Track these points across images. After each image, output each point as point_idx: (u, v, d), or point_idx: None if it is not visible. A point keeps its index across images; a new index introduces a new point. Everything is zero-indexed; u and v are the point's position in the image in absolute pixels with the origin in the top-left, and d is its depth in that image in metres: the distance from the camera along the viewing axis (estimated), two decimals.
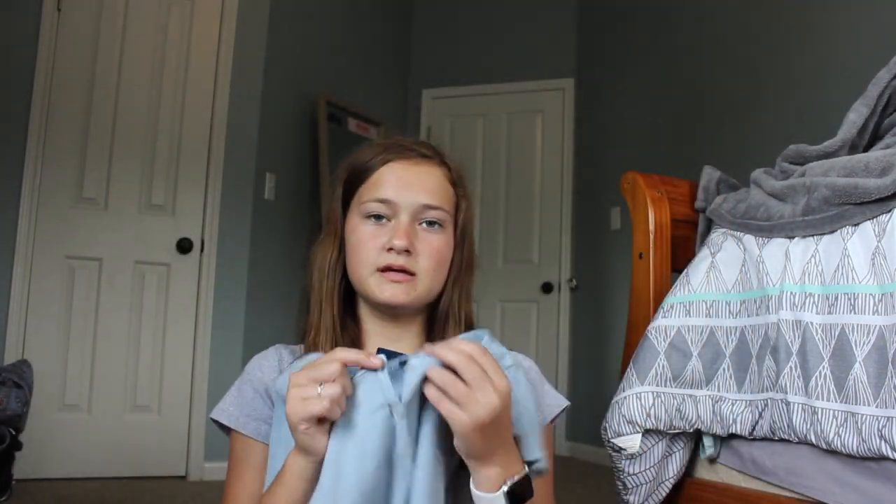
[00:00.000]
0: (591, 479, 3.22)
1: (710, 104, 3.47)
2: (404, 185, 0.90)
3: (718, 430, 1.13)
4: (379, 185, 0.90)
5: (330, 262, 0.94)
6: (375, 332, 0.94)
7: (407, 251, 0.87)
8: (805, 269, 1.05)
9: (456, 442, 0.70)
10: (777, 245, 1.11)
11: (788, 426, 1.02)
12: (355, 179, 0.93)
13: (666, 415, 1.17)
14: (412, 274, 0.88)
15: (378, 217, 0.89)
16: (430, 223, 0.90)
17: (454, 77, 4.61)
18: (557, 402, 0.96)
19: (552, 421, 0.95)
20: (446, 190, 0.93)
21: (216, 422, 0.91)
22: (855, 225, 1.01)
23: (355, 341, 0.92)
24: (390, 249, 0.87)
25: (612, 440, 1.23)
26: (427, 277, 0.89)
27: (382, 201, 0.89)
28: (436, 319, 0.93)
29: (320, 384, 0.70)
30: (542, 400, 0.94)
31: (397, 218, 0.89)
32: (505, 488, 0.71)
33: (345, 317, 0.93)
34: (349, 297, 0.95)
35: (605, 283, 4.01)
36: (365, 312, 0.95)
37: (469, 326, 0.94)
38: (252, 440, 0.89)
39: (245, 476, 0.89)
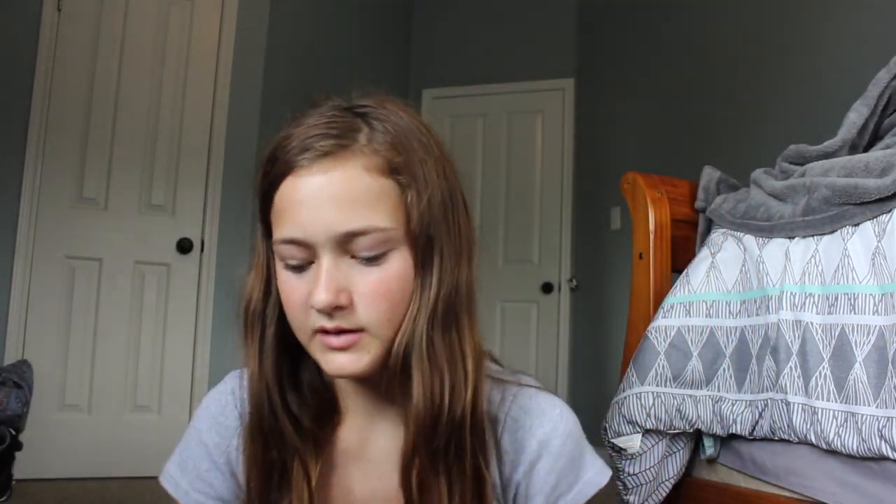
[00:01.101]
0: None
1: (709, 104, 3.47)
2: (315, 210, 0.62)
3: (718, 430, 1.13)
4: (283, 217, 0.64)
5: (254, 305, 0.71)
6: (351, 389, 0.73)
7: (339, 307, 0.63)
8: (805, 270, 1.04)
9: None
10: (777, 245, 1.11)
11: (788, 426, 1.02)
12: (265, 194, 0.67)
13: (666, 415, 1.17)
14: (358, 331, 0.64)
15: (296, 267, 0.65)
16: (368, 259, 0.63)
17: (454, 77, 4.61)
18: (596, 476, 0.73)
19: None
20: (378, 190, 0.63)
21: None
22: (855, 225, 1.01)
23: (324, 399, 0.72)
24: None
25: (612, 440, 1.23)
26: (379, 330, 0.64)
27: (290, 242, 0.64)
28: (392, 375, 0.65)
29: None
30: (571, 481, 0.71)
31: (317, 259, 0.64)
32: None
33: (304, 368, 0.71)
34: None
35: (605, 283, 4.01)
36: None
37: (452, 360, 0.66)
38: None
39: None
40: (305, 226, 0.63)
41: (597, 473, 0.72)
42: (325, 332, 0.64)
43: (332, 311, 0.63)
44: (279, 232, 0.65)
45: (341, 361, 0.65)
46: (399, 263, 0.64)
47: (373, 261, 0.64)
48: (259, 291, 0.71)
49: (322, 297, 0.62)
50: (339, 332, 0.64)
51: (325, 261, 0.63)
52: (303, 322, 0.65)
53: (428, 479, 0.65)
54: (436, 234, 0.65)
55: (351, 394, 0.73)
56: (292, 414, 0.69)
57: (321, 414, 0.71)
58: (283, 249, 0.65)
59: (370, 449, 0.73)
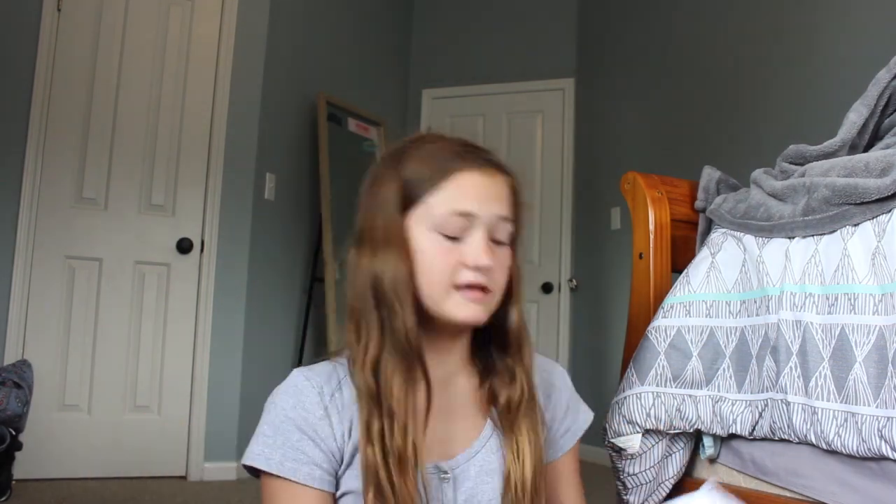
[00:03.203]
0: (591, 479, 3.21)
1: (709, 104, 3.47)
2: (484, 197, 0.84)
3: (718, 430, 1.13)
4: (456, 197, 0.83)
5: (402, 277, 0.83)
6: (427, 344, 0.87)
7: (488, 268, 0.83)
8: (805, 270, 1.04)
9: None
10: (777, 245, 1.11)
11: (788, 426, 1.02)
12: (421, 183, 0.84)
13: (666, 415, 1.17)
14: (489, 291, 0.85)
15: (453, 238, 0.83)
16: (497, 242, 0.86)
17: (454, 77, 4.61)
18: (587, 411, 1.01)
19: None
20: (513, 202, 0.88)
21: (250, 469, 0.83)
22: (855, 225, 1.01)
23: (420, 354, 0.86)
24: (469, 266, 0.82)
25: (611, 440, 1.23)
26: (498, 293, 0.86)
27: (463, 214, 0.83)
28: (501, 332, 0.90)
29: None
30: (577, 407, 1.00)
31: (472, 232, 0.83)
32: None
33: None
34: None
35: (605, 283, 4.01)
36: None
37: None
38: (305, 489, 0.81)
39: None
40: (479, 205, 0.83)
41: (587, 410, 1.01)
42: (469, 287, 0.83)
43: (485, 270, 0.83)
44: (452, 205, 0.83)
45: (475, 310, 0.84)
46: (510, 253, 0.89)
47: (503, 244, 0.86)
48: (404, 266, 0.85)
49: (486, 259, 0.82)
50: (482, 288, 0.84)
51: (483, 234, 0.84)
52: (447, 277, 0.83)
53: (525, 419, 0.89)
54: (518, 245, 0.91)
55: (433, 364, 0.87)
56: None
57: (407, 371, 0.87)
58: (451, 220, 0.83)
59: (437, 394, 0.87)
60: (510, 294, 0.89)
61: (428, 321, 0.85)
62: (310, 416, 0.83)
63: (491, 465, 0.89)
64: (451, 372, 0.92)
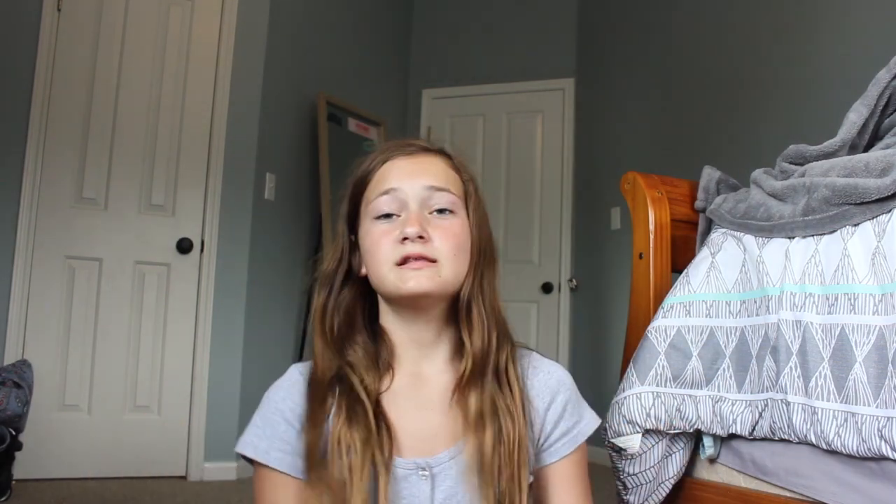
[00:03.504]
0: (590, 480, 3.21)
1: (710, 104, 3.47)
2: (407, 173, 0.89)
3: (718, 430, 1.13)
4: (382, 181, 0.90)
5: (329, 270, 0.94)
6: (406, 339, 0.92)
7: (421, 237, 0.85)
8: (805, 270, 1.04)
9: None
10: (777, 245, 1.11)
11: (788, 426, 1.02)
12: (359, 186, 0.93)
13: (666, 415, 1.17)
14: (433, 261, 0.86)
15: (388, 215, 0.88)
16: (441, 211, 0.89)
17: (454, 77, 4.61)
18: (593, 418, 0.98)
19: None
20: (451, 176, 0.92)
21: (244, 456, 0.88)
22: (855, 225, 1.01)
23: (380, 354, 0.91)
24: (405, 240, 0.86)
25: (611, 440, 1.23)
26: (448, 262, 0.87)
27: (387, 192, 0.88)
28: (458, 306, 0.90)
29: None
30: (578, 411, 0.96)
31: (406, 209, 0.88)
32: None
33: (363, 331, 0.93)
34: (372, 311, 0.94)
35: (605, 283, 4.01)
36: (391, 319, 0.93)
37: (499, 322, 0.92)
38: (285, 476, 0.86)
39: None
40: (403, 181, 0.88)
41: (593, 417, 0.97)
42: (407, 259, 0.85)
43: (416, 238, 0.85)
44: (379, 189, 0.89)
45: (418, 278, 0.85)
46: (461, 222, 0.90)
47: (444, 213, 0.89)
48: (334, 261, 0.94)
49: (414, 227, 0.85)
50: (419, 258, 0.85)
51: (414, 207, 0.88)
52: (389, 255, 0.86)
53: (478, 399, 0.87)
54: (479, 219, 0.92)
55: (405, 345, 0.92)
56: (353, 365, 0.89)
57: (377, 366, 0.91)
58: (380, 201, 0.88)
59: (419, 390, 0.91)
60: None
61: (397, 307, 0.90)
62: (297, 408, 0.87)
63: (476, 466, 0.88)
64: (433, 369, 0.92)
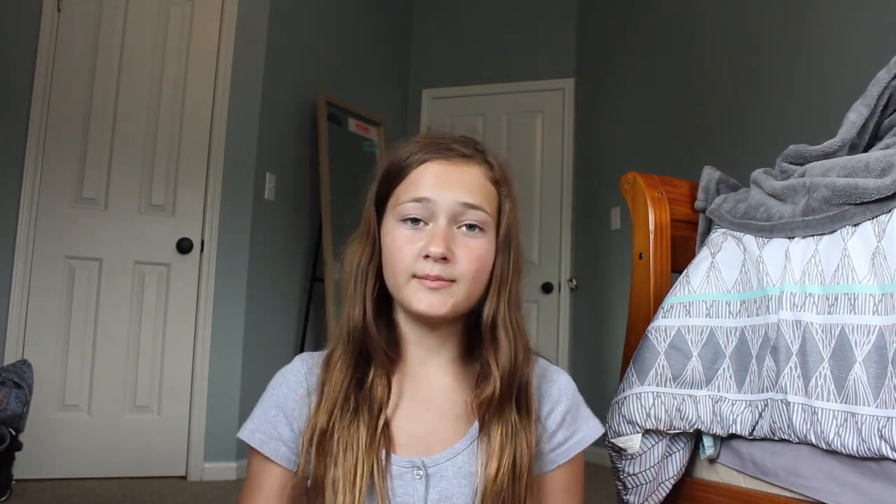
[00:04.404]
0: (590, 479, 3.21)
1: (710, 104, 3.47)
2: (442, 183, 0.85)
3: (718, 431, 1.13)
4: (416, 185, 0.86)
5: (361, 265, 0.90)
6: (413, 339, 0.91)
7: (444, 258, 0.83)
8: (805, 270, 1.04)
9: None
10: (777, 245, 1.11)
11: (788, 426, 1.02)
12: (391, 178, 0.89)
13: (666, 415, 1.17)
14: (451, 281, 0.84)
15: (415, 220, 0.85)
16: (471, 227, 0.85)
17: (454, 77, 4.61)
18: (593, 429, 0.96)
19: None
20: (488, 190, 0.88)
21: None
22: (855, 225, 1.01)
23: (391, 345, 0.90)
24: (426, 256, 0.83)
25: (611, 440, 1.23)
26: (465, 283, 0.85)
27: (419, 200, 0.85)
28: (481, 328, 0.89)
29: None
30: (576, 422, 0.94)
31: (435, 221, 0.85)
32: None
33: (379, 321, 0.89)
34: (387, 299, 0.91)
35: (605, 283, 4.01)
36: (402, 317, 0.91)
37: (523, 337, 0.90)
38: (269, 462, 0.87)
39: (256, 499, 0.87)
40: (436, 191, 0.84)
41: (594, 427, 0.96)
42: (426, 277, 0.83)
43: (440, 258, 0.82)
44: (410, 194, 0.85)
45: (431, 300, 0.83)
46: (488, 243, 0.87)
47: (473, 230, 0.86)
48: (366, 253, 0.90)
49: (440, 248, 0.82)
50: (437, 278, 0.83)
51: (442, 222, 0.84)
52: (408, 266, 0.84)
53: (496, 417, 0.86)
54: (510, 237, 0.89)
55: (412, 343, 0.91)
56: (381, 344, 0.89)
57: (391, 356, 0.90)
58: (408, 207, 0.85)
59: (422, 390, 0.91)
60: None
61: (408, 314, 0.89)
62: (291, 395, 0.89)
63: (471, 468, 0.88)
64: (436, 369, 0.92)
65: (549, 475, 0.93)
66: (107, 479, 2.95)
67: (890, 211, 0.97)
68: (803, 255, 1.06)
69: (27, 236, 2.94)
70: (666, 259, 1.36)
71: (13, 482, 2.63)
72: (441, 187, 0.85)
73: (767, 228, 1.14)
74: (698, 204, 1.38)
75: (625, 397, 1.21)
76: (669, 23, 3.80)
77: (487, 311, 0.87)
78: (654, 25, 3.91)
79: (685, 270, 1.27)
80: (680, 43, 3.71)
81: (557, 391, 0.95)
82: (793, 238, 1.09)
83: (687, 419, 1.16)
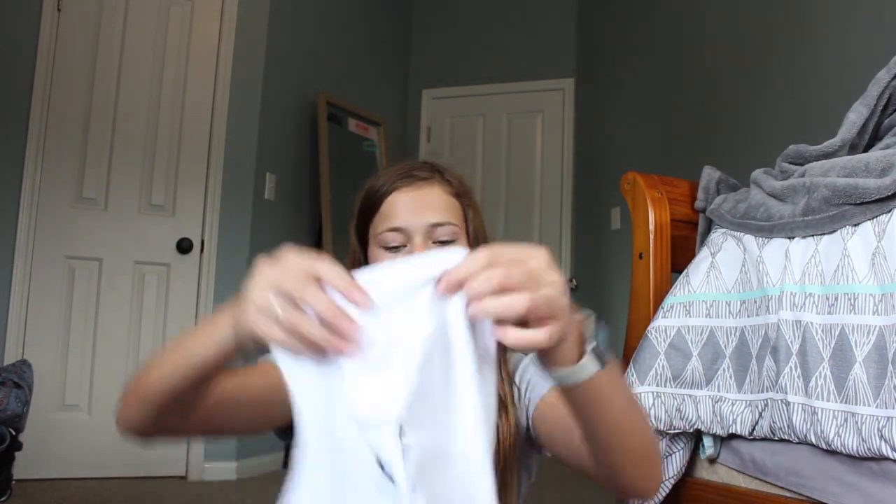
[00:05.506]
0: (591, 479, 3.21)
1: (710, 104, 3.47)
2: (412, 210, 0.94)
3: (718, 430, 1.13)
4: (389, 217, 0.95)
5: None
6: None
7: None
8: (805, 270, 1.04)
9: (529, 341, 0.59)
10: (777, 245, 1.11)
11: (788, 426, 1.02)
12: (367, 211, 0.99)
13: (666, 415, 1.17)
14: None
15: (395, 248, 0.94)
16: (443, 242, 0.94)
17: (454, 77, 4.61)
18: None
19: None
20: (452, 205, 0.97)
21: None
22: (855, 225, 1.01)
23: None
24: None
25: None
26: None
27: (395, 230, 0.94)
28: None
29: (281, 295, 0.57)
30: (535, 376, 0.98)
31: (411, 243, 0.94)
32: (589, 348, 0.64)
33: None
34: None
35: (605, 283, 4.01)
36: None
37: None
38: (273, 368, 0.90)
39: (247, 370, 0.87)
40: (407, 218, 0.94)
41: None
42: None
43: None
44: (386, 224, 0.94)
45: None
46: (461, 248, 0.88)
47: (447, 244, 0.93)
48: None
49: None
50: None
51: (418, 241, 0.93)
52: None
53: None
54: (479, 240, 0.97)
55: None
56: None
57: None
58: (387, 237, 0.93)
59: None
60: None
61: None
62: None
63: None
64: None
65: (544, 400, 0.92)
66: (107, 479, 2.95)
67: (890, 211, 0.97)
68: (803, 255, 1.06)
69: (27, 236, 2.94)
70: (666, 259, 1.36)
71: (13, 482, 2.63)
72: (411, 214, 0.94)
73: (767, 228, 1.14)
74: (698, 204, 1.38)
75: None
76: (669, 23, 3.80)
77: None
78: (654, 25, 3.91)
79: (685, 270, 1.27)
80: (680, 43, 3.71)
81: (521, 369, 0.99)
82: (793, 238, 1.09)
83: (687, 419, 1.16)
